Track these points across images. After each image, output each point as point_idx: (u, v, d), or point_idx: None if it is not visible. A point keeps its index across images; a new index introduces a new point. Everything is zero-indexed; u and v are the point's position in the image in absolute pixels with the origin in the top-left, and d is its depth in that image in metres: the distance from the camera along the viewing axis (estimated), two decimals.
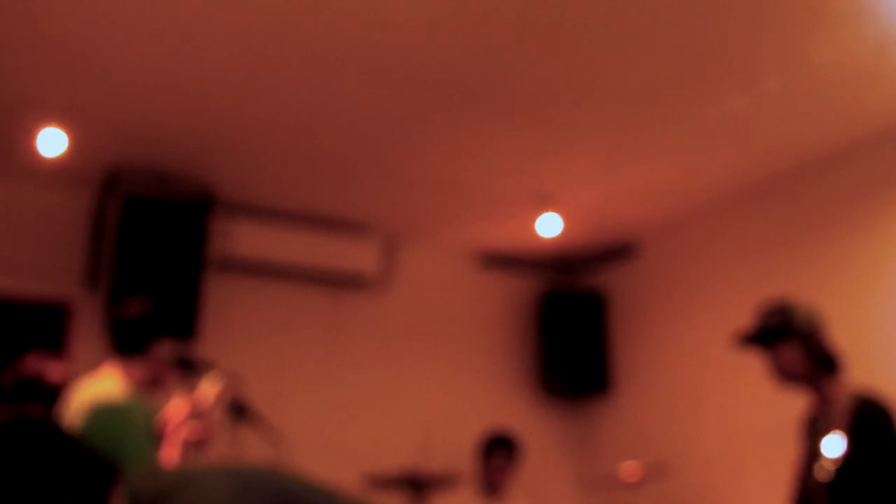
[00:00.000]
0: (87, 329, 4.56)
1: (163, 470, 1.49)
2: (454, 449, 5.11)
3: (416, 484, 4.45)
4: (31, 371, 3.08)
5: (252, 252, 5.05)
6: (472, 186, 4.95)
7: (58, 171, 4.50)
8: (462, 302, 5.95)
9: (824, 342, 2.81)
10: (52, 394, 3.03)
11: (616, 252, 5.93)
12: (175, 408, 3.23)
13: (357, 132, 4.30)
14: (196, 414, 3.21)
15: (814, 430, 2.82)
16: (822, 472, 2.54)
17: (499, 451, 4.96)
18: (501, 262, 6.10)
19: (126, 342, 3.08)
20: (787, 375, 2.84)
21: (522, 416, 5.70)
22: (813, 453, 2.73)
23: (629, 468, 4.46)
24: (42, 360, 3.14)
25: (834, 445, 2.54)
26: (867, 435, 2.60)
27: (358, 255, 5.36)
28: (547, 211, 4.97)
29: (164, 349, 3.16)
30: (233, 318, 5.04)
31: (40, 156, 4.22)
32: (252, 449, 3.57)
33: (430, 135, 4.36)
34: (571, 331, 5.84)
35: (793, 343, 2.81)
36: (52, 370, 3.11)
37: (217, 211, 4.82)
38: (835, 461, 2.51)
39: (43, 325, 4.64)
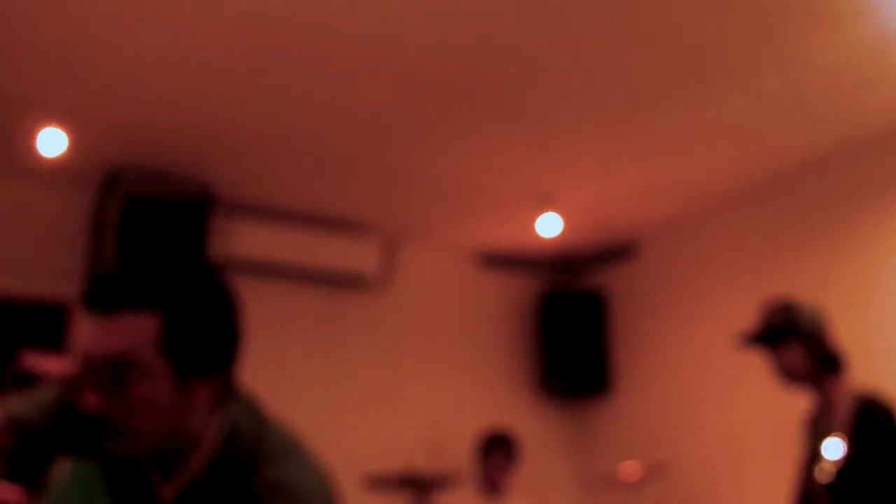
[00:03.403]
0: None
1: (265, 418, 1.41)
2: (454, 449, 5.12)
3: (417, 484, 4.45)
4: (29, 365, 3.08)
5: (252, 252, 5.05)
6: (472, 186, 4.95)
7: (58, 171, 4.50)
8: (462, 302, 5.95)
9: (828, 342, 2.81)
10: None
11: (616, 252, 5.93)
12: None
13: (357, 132, 4.30)
14: None
15: (816, 431, 2.82)
16: (823, 474, 2.54)
17: (496, 449, 4.95)
18: (501, 262, 6.10)
19: None
20: (790, 375, 2.84)
21: (522, 415, 5.70)
22: (815, 454, 2.72)
23: (629, 468, 4.46)
24: (39, 354, 3.13)
25: (834, 448, 2.53)
26: (869, 436, 2.60)
27: (358, 255, 5.35)
28: (547, 211, 4.97)
29: None
30: None
31: (40, 156, 4.22)
32: None
33: (429, 135, 4.36)
34: (571, 331, 5.84)
35: (796, 343, 2.80)
36: (50, 364, 3.10)
37: (217, 211, 4.82)
38: (835, 463, 2.51)
39: (43, 325, 4.64)
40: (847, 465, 2.54)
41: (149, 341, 1.24)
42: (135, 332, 1.24)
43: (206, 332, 1.30)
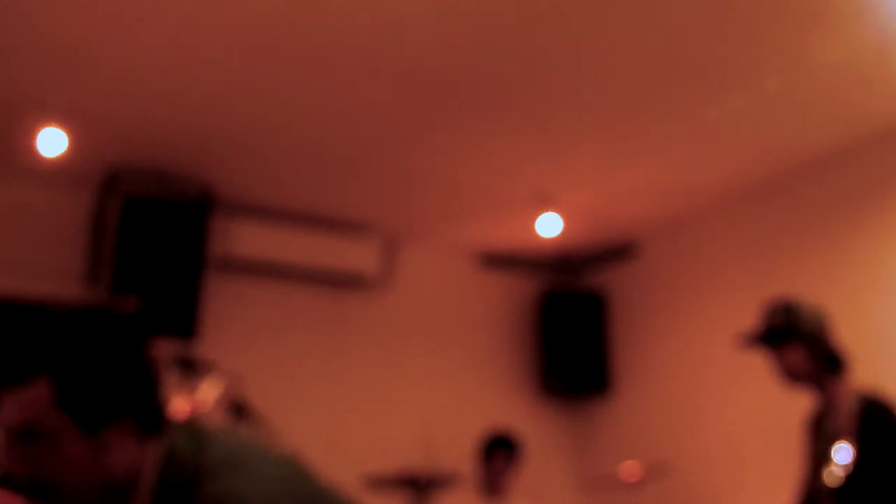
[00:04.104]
0: None
1: (209, 436, 1.42)
2: (454, 449, 5.11)
3: (417, 484, 4.45)
4: None
5: (252, 252, 5.05)
6: (472, 186, 4.95)
7: (58, 171, 4.50)
8: (462, 302, 5.95)
9: (830, 342, 2.80)
10: None
11: (616, 252, 5.93)
12: (175, 408, 3.23)
13: (357, 132, 4.30)
14: (196, 415, 3.21)
15: (818, 431, 2.81)
16: (832, 478, 2.52)
17: (499, 452, 4.93)
18: (501, 262, 6.10)
19: None
20: (792, 376, 2.83)
21: (522, 416, 5.69)
22: (819, 455, 2.72)
23: (629, 468, 4.45)
24: None
25: (844, 452, 2.52)
26: (874, 437, 2.59)
27: (358, 255, 5.35)
28: (547, 211, 4.97)
29: (158, 348, 3.15)
30: (233, 318, 5.03)
31: (40, 156, 4.21)
32: None
33: (430, 135, 4.36)
34: (571, 331, 5.84)
35: (798, 343, 2.79)
36: None
37: (217, 211, 4.82)
38: (845, 468, 2.50)
39: None
40: (853, 468, 2.53)
41: (45, 407, 1.31)
42: (30, 401, 1.31)
43: (99, 384, 1.34)
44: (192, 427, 1.43)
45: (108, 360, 1.36)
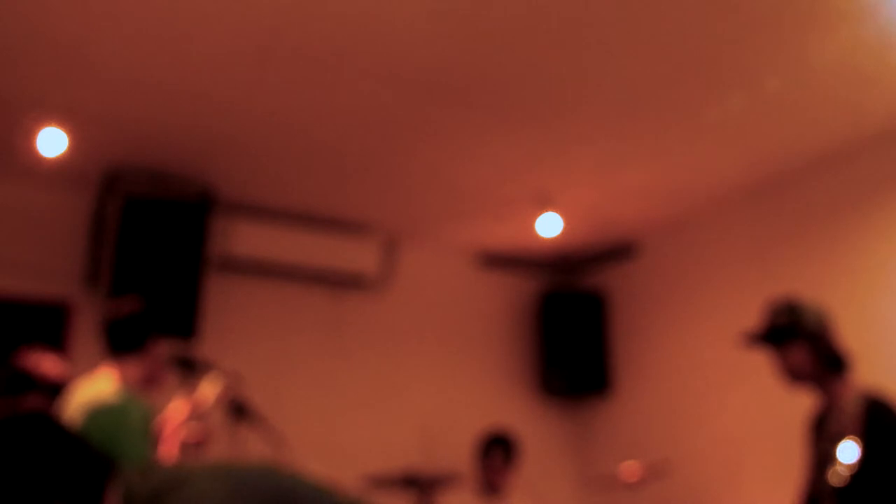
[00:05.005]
0: (87, 329, 4.56)
1: (158, 468, 1.48)
2: (454, 449, 5.12)
3: (417, 484, 4.45)
4: (26, 365, 3.07)
5: (252, 252, 5.05)
6: (472, 186, 4.95)
7: (58, 171, 4.50)
8: (462, 302, 5.95)
9: (832, 342, 2.79)
10: (47, 387, 3.02)
11: (616, 252, 5.93)
12: (175, 409, 3.22)
13: (357, 132, 4.30)
14: (196, 415, 3.21)
15: (821, 431, 2.81)
16: (837, 478, 2.51)
17: (496, 450, 4.95)
18: (501, 262, 6.10)
19: (119, 341, 3.07)
20: (794, 375, 2.83)
21: (522, 416, 5.70)
22: (822, 455, 2.71)
23: (629, 468, 4.46)
24: (37, 354, 3.13)
25: (849, 451, 2.51)
26: (877, 437, 2.59)
27: (358, 255, 5.35)
28: (547, 211, 4.97)
29: (161, 347, 3.15)
30: (233, 318, 5.04)
31: (40, 156, 4.21)
32: (252, 449, 3.57)
33: (430, 135, 4.36)
34: (571, 331, 5.84)
35: (800, 343, 2.79)
36: (47, 364, 3.10)
37: (217, 211, 4.82)
38: (850, 467, 2.49)
39: (43, 325, 4.64)
40: (858, 468, 2.52)
41: None
42: None
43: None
44: (141, 466, 1.46)
45: (13, 472, 1.29)
